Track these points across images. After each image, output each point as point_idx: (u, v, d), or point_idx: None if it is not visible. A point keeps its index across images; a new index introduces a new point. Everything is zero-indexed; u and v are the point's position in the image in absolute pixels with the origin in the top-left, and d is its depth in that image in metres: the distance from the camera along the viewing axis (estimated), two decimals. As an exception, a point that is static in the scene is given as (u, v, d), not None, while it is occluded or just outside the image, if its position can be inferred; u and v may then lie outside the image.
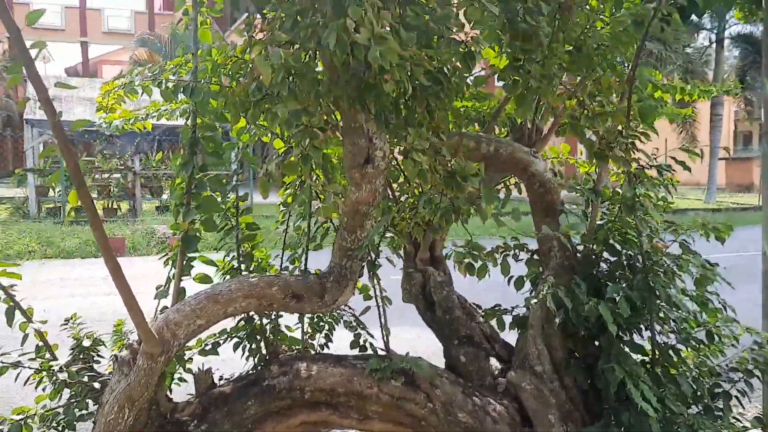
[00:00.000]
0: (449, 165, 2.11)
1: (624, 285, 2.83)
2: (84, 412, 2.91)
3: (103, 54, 41.07)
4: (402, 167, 2.28)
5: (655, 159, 2.83)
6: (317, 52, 2.07)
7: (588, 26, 2.29)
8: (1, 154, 28.53)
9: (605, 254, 3.10)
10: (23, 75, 2.34)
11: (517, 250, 3.27)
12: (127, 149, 18.73)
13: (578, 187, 3.13)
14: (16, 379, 2.87)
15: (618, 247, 3.06)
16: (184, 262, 3.02)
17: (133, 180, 17.76)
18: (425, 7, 2.17)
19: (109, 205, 17.32)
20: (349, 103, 2.18)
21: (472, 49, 2.05)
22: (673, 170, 2.84)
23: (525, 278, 3.34)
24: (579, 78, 2.36)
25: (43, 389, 2.92)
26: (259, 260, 3.38)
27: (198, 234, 3.03)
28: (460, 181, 2.09)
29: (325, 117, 2.07)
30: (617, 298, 2.76)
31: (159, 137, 22.08)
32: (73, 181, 2.34)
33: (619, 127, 2.42)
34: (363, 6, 1.90)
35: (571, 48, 2.26)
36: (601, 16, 2.43)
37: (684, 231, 3.14)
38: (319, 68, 2.33)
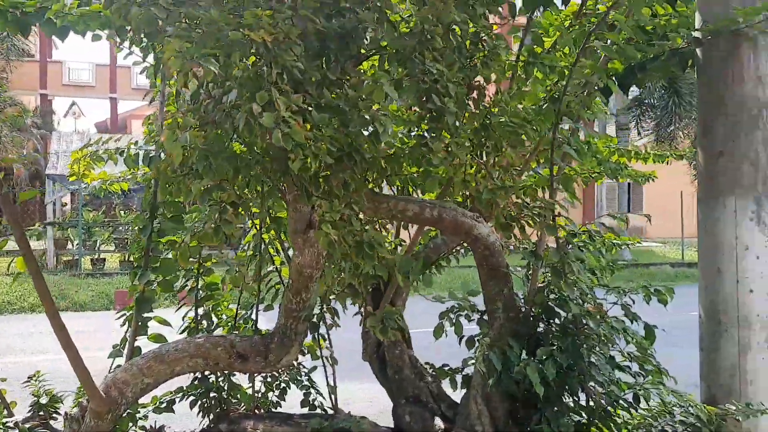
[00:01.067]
0: (358, 236, 2.25)
1: (555, 347, 2.91)
2: (37, 467, 3.03)
3: (132, 109, 42.19)
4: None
5: (587, 224, 2.94)
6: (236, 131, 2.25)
7: (495, 106, 2.45)
8: (29, 207, 29.23)
9: (545, 316, 3.18)
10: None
11: (469, 311, 3.37)
12: (145, 203, 19.11)
13: (521, 250, 3.24)
14: (-29, 435, 3.00)
15: (557, 309, 3.15)
16: (140, 323, 3.17)
17: (150, 233, 18.07)
18: (341, 90, 2.34)
19: (126, 258, 17.64)
20: (275, 177, 2.35)
21: (378, 128, 2.21)
22: (602, 235, 2.94)
23: (476, 338, 3.43)
24: (487, 154, 2.50)
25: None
26: (220, 317, 3.52)
27: (154, 295, 3.18)
28: (368, 251, 2.22)
29: (238, 192, 2.23)
30: (546, 360, 2.83)
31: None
32: (20, 248, 2.52)
33: (527, 199, 2.55)
34: (271, 92, 2.07)
35: (479, 126, 2.41)
36: (513, 96, 2.60)
37: (625, 293, 3.24)
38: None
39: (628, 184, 26.78)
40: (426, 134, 2.33)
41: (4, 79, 18.77)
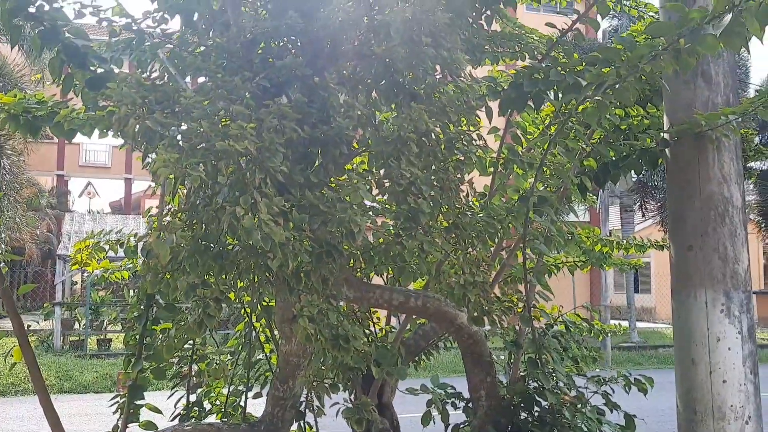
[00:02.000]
0: (334, 330, 2.38)
1: (533, 437, 2.98)
2: None
3: (146, 188, 43.00)
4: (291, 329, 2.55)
5: (561, 315, 3.05)
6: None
7: (466, 206, 2.62)
8: (40, 286, 29.47)
9: (524, 405, 3.26)
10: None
11: (454, 399, 3.46)
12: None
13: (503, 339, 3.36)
14: None
15: (537, 398, 3.23)
16: (131, 410, 3.27)
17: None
18: (322, 191, 2.53)
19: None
20: (259, 272, 2.51)
21: (353, 229, 2.37)
22: (579, 326, 3.06)
23: (461, 426, 3.50)
24: (457, 251, 2.65)
25: None
26: (214, 403, 3.61)
27: (146, 383, 3.29)
28: (343, 344, 2.35)
29: (221, 289, 2.39)
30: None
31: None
32: (18, 338, 2.66)
33: (499, 293, 2.69)
34: (253, 196, 2.26)
35: (450, 225, 2.58)
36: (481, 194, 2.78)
37: (605, 382, 3.33)
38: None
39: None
40: (401, 232, 2.50)
41: (22, 162, 19.35)
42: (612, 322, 17.14)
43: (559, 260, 4.45)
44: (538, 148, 3.66)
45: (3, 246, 17.68)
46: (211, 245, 2.39)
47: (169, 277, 2.39)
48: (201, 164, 2.19)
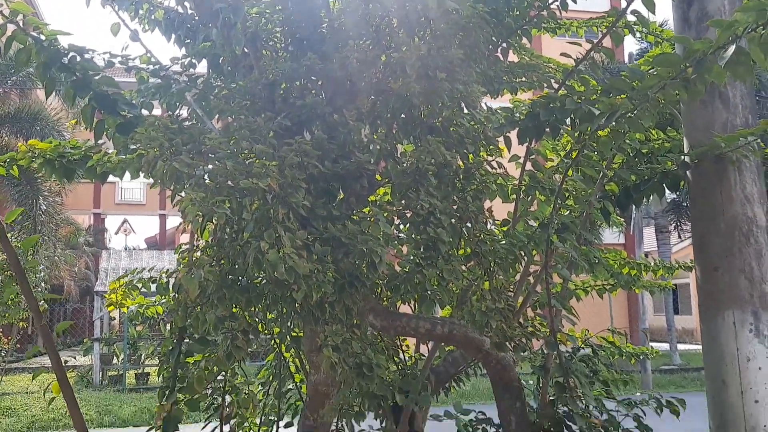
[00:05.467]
0: (358, 358, 2.43)
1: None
2: None
3: (180, 224, 43.70)
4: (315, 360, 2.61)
5: (587, 339, 3.07)
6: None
7: (486, 233, 2.67)
8: (79, 323, 29.98)
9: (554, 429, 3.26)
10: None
11: (485, 425, 3.48)
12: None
13: (531, 364, 3.37)
14: None
15: (567, 422, 3.23)
16: (167, 442, 3.34)
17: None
18: (343, 224, 2.61)
19: (169, 372, 17.83)
20: (286, 304, 2.59)
21: (374, 259, 2.44)
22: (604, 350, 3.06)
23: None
24: (478, 279, 2.70)
25: None
26: (247, 434, 3.68)
27: (181, 415, 3.37)
28: (366, 372, 2.40)
29: (249, 321, 2.46)
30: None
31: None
32: (56, 374, 2.77)
33: (522, 319, 2.72)
34: (277, 231, 2.34)
35: (470, 253, 2.63)
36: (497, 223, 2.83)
37: (635, 405, 3.31)
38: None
39: (676, 284, 26.38)
40: (421, 261, 2.55)
41: (59, 202, 19.87)
42: (652, 344, 16.84)
43: (588, 284, 4.45)
44: (559, 174, 3.70)
45: (43, 284, 18.08)
46: (238, 279, 2.47)
47: (198, 310, 2.47)
48: (226, 201, 2.29)
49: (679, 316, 28.39)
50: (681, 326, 29.28)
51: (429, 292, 2.53)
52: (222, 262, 2.50)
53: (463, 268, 2.62)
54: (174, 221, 44.22)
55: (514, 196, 3.63)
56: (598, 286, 4.42)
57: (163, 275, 3.54)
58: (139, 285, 3.65)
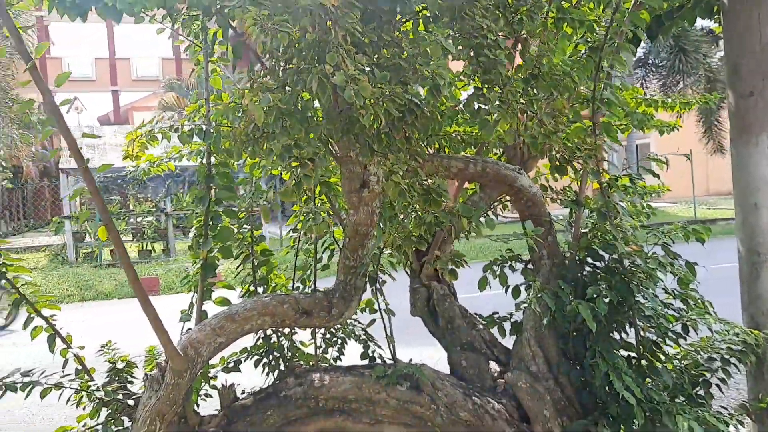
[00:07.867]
0: (425, 184, 2.40)
1: (604, 286, 3.06)
2: (120, 428, 3.21)
3: (134, 101, 42.25)
4: (384, 188, 2.56)
5: (627, 169, 3.07)
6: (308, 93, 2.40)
7: (542, 56, 2.58)
8: (40, 204, 29.46)
9: (590, 259, 3.34)
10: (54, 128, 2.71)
11: (512, 261, 3.53)
12: (159, 192, 19.39)
13: (562, 199, 3.40)
14: (59, 399, 3.19)
15: (600, 251, 3.30)
16: (205, 288, 3.34)
17: (165, 221, 18.36)
18: (397, 49, 2.48)
19: (144, 247, 17.87)
20: (338, 135, 2.50)
21: (438, 82, 2.35)
22: (642, 178, 3.08)
23: (521, 287, 3.59)
24: (537, 101, 2.64)
25: (83, 409, 3.23)
26: (275, 284, 3.69)
27: (216, 261, 3.35)
28: (435, 197, 2.38)
29: (314, 149, 2.38)
30: (596, 298, 2.99)
31: (188, 179, 22.74)
32: (102, 218, 2.68)
33: (577, 142, 2.69)
34: (339, 53, 2.22)
35: (528, 76, 2.55)
36: (556, 45, 2.74)
37: (664, 234, 3.39)
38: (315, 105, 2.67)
39: (636, 145, 26.80)
40: (480, 87, 2.47)
41: (11, 77, 18.83)
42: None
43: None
44: (584, 5, 3.58)
45: (3, 164, 17.54)
46: (294, 108, 2.37)
47: (264, 138, 2.36)
48: (288, 19, 2.14)
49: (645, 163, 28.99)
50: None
51: (489, 117, 2.45)
52: (279, 91, 2.38)
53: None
54: (127, 98, 42.77)
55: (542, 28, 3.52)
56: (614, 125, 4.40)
57: (185, 123, 3.39)
58: (160, 135, 3.50)
